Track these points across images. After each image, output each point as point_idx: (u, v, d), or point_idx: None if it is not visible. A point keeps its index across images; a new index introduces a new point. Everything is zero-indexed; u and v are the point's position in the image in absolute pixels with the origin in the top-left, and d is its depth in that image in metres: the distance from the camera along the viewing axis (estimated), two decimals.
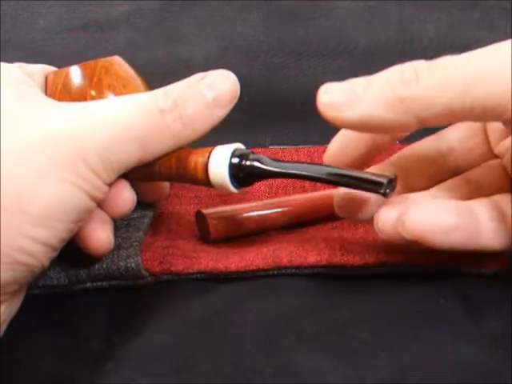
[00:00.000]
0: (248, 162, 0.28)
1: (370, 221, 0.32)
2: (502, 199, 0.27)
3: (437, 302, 0.27)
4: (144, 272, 0.29)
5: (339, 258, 0.29)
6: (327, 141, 0.31)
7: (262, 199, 0.35)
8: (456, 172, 0.31)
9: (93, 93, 0.29)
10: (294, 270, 0.29)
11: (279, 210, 0.33)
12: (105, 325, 0.27)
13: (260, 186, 0.38)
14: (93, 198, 0.26)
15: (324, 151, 0.31)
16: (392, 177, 0.26)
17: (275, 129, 0.44)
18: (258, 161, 0.28)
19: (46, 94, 0.29)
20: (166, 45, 0.46)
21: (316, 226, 0.33)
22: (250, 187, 0.38)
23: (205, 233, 0.32)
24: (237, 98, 0.29)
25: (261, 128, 0.44)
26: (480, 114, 0.23)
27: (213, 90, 0.28)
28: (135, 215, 0.32)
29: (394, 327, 0.26)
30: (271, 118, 0.46)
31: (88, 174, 0.25)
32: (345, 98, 0.24)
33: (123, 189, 0.29)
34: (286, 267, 0.29)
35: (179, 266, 0.29)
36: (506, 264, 0.28)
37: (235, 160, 0.28)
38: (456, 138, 0.30)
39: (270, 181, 0.38)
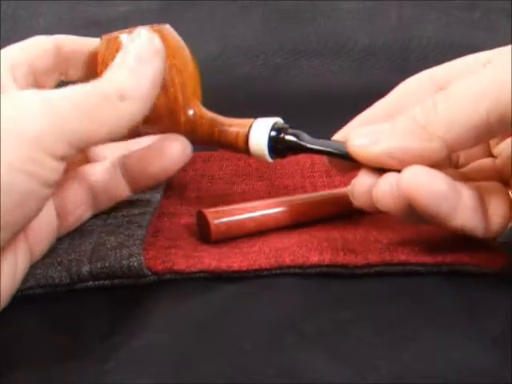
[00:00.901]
0: (286, 136, 0.30)
1: (371, 221, 0.33)
2: (487, 186, 0.28)
3: (437, 301, 0.27)
4: (146, 271, 0.29)
5: (342, 258, 0.29)
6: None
7: (262, 199, 0.35)
8: (454, 166, 0.31)
9: None
10: (296, 270, 0.29)
11: (280, 209, 0.33)
12: (105, 324, 0.27)
13: (261, 186, 0.38)
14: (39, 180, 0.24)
15: None
16: None
17: None
18: (296, 136, 0.30)
19: (97, 61, 0.31)
20: None
21: (317, 227, 0.33)
22: (251, 187, 0.38)
23: (206, 233, 0.32)
24: (159, 46, 0.28)
25: None
26: (498, 125, 0.25)
27: (130, 52, 0.27)
28: (136, 211, 0.32)
29: (394, 327, 0.26)
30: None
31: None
32: (374, 136, 0.27)
33: (175, 141, 0.31)
34: (288, 267, 0.29)
35: (182, 265, 0.29)
36: (507, 262, 0.28)
37: (274, 133, 0.30)
38: None
39: (271, 180, 0.39)
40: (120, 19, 0.46)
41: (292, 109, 0.45)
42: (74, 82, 0.31)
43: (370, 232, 0.32)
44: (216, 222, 0.32)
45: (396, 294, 0.28)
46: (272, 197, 0.36)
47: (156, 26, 0.31)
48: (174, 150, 0.31)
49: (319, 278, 0.29)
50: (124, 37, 0.30)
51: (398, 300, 0.27)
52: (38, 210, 0.25)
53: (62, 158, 0.25)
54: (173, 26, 0.41)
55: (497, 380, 0.23)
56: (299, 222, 0.33)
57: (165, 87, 0.30)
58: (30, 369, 0.25)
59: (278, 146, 0.30)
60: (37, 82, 0.31)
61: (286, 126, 0.31)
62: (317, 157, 0.39)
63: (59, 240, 0.31)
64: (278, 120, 0.31)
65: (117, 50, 0.29)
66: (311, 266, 0.29)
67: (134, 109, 0.27)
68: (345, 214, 0.34)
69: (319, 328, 0.26)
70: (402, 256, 0.29)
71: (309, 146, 0.30)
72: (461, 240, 0.29)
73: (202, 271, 0.29)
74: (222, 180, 0.39)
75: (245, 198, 0.37)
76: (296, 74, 0.49)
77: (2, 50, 0.29)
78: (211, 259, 0.29)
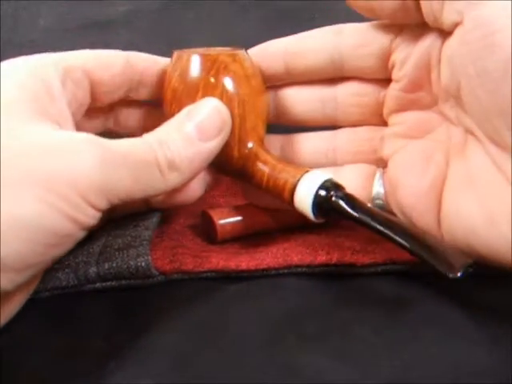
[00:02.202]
0: (334, 198, 0.28)
1: None
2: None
3: (437, 301, 0.27)
4: (154, 271, 0.29)
5: (349, 257, 0.29)
6: None
7: None
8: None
9: (212, 80, 0.28)
10: (304, 269, 0.29)
11: (286, 210, 0.33)
12: (108, 323, 0.27)
13: None
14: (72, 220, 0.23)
15: None
16: (469, 262, 0.25)
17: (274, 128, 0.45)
18: (344, 200, 0.27)
19: (166, 74, 0.30)
20: (166, 45, 0.46)
21: (324, 227, 0.33)
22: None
23: (211, 233, 0.32)
24: (227, 127, 0.28)
25: None
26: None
27: (193, 121, 0.27)
28: (143, 215, 0.32)
29: (395, 327, 0.26)
30: None
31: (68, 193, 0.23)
32: None
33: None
34: (296, 266, 0.29)
35: (189, 264, 0.29)
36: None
37: (322, 192, 0.28)
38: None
39: None
40: (120, 19, 0.46)
41: None
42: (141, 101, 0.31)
43: None
44: (221, 221, 0.31)
45: (397, 294, 0.28)
46: None
47: (226, 54, 0.29)
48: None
49: (321, 278, 0.29)
50: (194, 59, 0.29)
51: (399, 300, 0.28)
52: (68, 250, 0.25)
53: (98, 210, 0.24)
54: (173, 26, 0.41)
55: (497, 380, 0.23)
56: (305, 222, 0.33)
57: None
58: (31, 369, 0.25)
59: (323, 206, 0.28)
60: (94, 92, 0.29)
61: (338, 185, 0.28)
62: None
63: None
64: (330, 177, 0.28)
65: (184, 72, 0.28)
66: (319, 266, 0.29)
67: (179, 180, 0.26)
68: None
69: (321, 328, 0.26)
70: (407, 255, 0.29)
71: (355, 214, 0.27)
72: None
73: (210, 271, 0.29)
74: (225, 179, 0.39)
75: None
76: None
77: (58, 53, 0.28)
78: (219, 259, 0.29)
